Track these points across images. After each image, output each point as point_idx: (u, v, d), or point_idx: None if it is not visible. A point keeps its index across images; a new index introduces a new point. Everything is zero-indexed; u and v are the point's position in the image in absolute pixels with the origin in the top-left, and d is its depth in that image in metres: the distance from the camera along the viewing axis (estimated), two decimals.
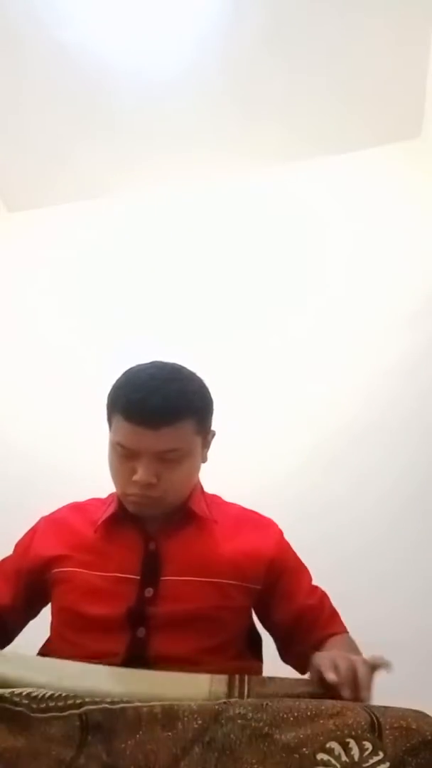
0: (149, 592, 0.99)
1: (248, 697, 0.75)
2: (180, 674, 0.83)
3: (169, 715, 0.66)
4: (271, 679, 0.83)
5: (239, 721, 0.65)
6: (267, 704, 0.66)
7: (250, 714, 0.65)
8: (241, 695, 0.75)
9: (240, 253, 2.33)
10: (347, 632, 1.07)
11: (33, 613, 1.12)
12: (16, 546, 1.14)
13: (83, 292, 2.42)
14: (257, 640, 1.13)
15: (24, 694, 0.73)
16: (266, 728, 0.64)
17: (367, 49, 2.13)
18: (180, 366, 1.07)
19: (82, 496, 1.20)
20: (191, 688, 0.78)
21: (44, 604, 1.11)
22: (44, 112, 2.33)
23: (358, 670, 0.79)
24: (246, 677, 0.80)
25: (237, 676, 0.80)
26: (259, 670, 1.07)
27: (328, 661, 0.82)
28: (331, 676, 0.77)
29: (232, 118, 2.32)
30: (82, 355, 2.27)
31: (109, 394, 1.06)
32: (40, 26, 2.09)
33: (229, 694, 0.76)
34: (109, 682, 0.81)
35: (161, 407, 0.97)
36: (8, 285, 2.51)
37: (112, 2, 2.04)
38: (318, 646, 1.02)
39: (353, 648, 1.02)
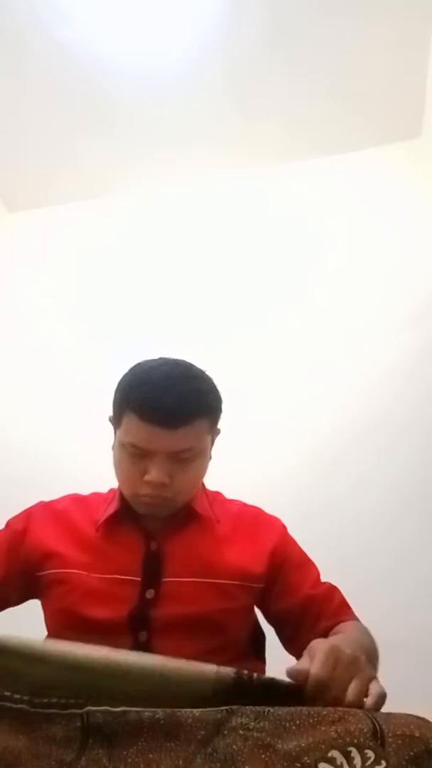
0: (150, 593, 0.96)
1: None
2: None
3: (171, 723, 0.65)
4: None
5: (241, 732, 0.64)
6: (269, 711, 0.65)
7: (252, 724, 0.64)
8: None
9: (240, 253, 2.33)
10: (358, 620, 1.03)
11: (15, 598, 1.04)
12: (9, 525, 1.08)
13: (83, 292, 2.42)
14: (261, 639, 1.11)
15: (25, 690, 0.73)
16: (268, 738, 0.62)
17: (367, 49, 2.12)
18: (189, 363, 1.04)
19: None
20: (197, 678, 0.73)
21: (28, 596, 1.05)
22: (44, 112, 2.32)
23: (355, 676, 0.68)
24: None
25: None
26: (262, 672, 1.05)
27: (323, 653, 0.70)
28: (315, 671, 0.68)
29: (232, 118, 2.32)
30: (82, 355, 2.28)
31: (118, 392, 1.02)
32: (40, 26, 2.09)
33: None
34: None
35: (178, 407, 0.95)
36: (8, 285, 2.51)
37: (112, 2, 2.03)
38: (327, 633, 0.98)
39: (365, 633, 0.98)
